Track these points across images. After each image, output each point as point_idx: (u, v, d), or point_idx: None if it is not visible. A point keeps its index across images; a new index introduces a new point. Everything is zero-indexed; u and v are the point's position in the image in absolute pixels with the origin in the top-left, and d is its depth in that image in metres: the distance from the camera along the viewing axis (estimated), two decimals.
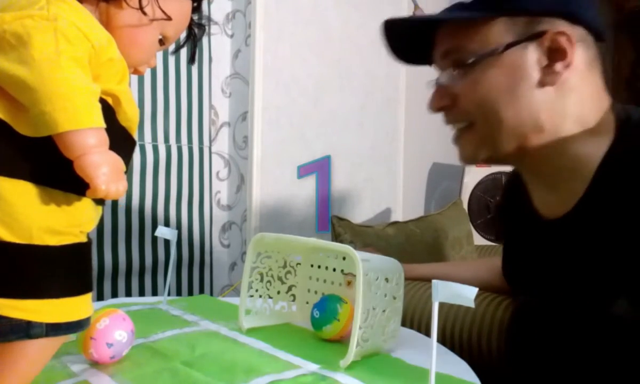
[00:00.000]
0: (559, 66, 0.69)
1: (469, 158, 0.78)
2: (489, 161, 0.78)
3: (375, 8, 2.04)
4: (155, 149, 1.49)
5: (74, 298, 0.52)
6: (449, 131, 0.80)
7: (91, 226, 0.56)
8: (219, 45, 1.68)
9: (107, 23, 0.57)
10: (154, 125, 1.49)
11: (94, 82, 0.51)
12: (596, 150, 0.70)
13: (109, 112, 0.54)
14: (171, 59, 1.51)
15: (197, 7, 0.67)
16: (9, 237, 0.48)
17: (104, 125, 0.50)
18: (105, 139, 0.51)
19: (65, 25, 0.49)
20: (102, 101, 0.52)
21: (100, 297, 1.40)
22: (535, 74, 0.70)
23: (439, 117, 0.81)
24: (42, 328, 0.50)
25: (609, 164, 0.69)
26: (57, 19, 0.48)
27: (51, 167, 0.50)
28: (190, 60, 0.76)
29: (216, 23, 1.66)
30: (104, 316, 0.67)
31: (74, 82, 0.48)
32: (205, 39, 1.58)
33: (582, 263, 0.73)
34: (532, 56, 0.70)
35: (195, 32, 0.70)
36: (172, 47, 0.70)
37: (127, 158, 0.57)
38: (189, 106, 1.56)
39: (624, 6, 3.28)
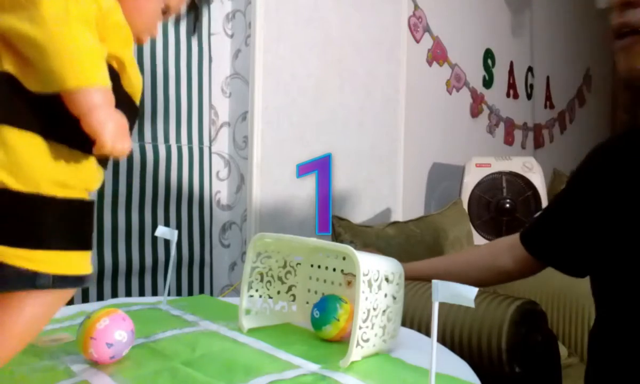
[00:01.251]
0: None
1: (630, 72, 0.71)
2: None
3: (375, 8, 2.04)
4: (155, 149, 1.49)
5: (78, 252, 0.53)
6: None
7: (95, 185, 0.57)
8: (219, 45, 1.68)
9: None
10: (154, 125, 1.49)
11: (102, 44, 0.53)
12: None
13: (113, 76, 0.55)
14: (171, 59, 1.51)
15: None
16: (17, 186, 0.49)
17: (109, 84, 0.52)
18: (111, 98, 0.52)
19: None
20: (107, 65, 0.53)
21: (100, 297, 1.40)
22: None
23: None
24: (49, 279, 0.51)
25: None
26: None
27: (59, 123, 0.51)
28: (192, 31, 0.77)
29: None
30: (104, 316, 0.67)
31: (81, 41, 0.49)
32: (205, 39, 1.58)
33: None
34: None
35: (198, 3, 0.71)
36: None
37: (130, 125, 0.58)
38: (189, 106, 1.56)
39: None
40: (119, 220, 1.43)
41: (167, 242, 1.51)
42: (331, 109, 1.92)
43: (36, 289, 0.50)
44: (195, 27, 0.75)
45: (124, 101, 0.57)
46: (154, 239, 1.49)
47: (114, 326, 0.67)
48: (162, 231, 0.95)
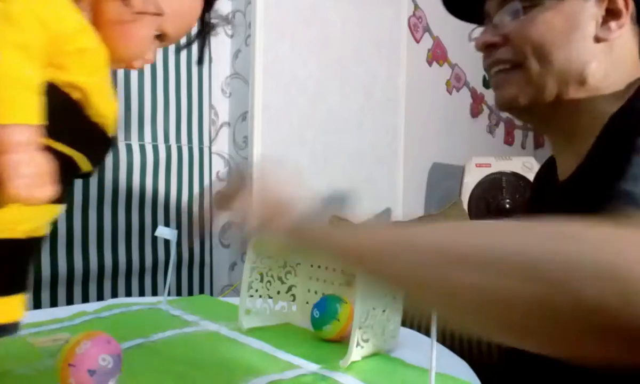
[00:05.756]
0: (613, 25, 0.72)
1: (509, 102, 0.78)
2: (524, 110, 0.78)
3: (375, 8, 2.04)
4: (155, 149, 1.49)
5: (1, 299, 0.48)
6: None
7: (29, 224, 0.51)
8: (219, 46, 1.68)
9: (94, 15, 0.54)
10: (154, 125, 1.49)
11: (58, 72, 0.47)
12: (611, 110, 0.72)
13: (72, 106, 0.50)
14: (171, 59, 1.51)
15: (208, 5, 0.64)
16: None
17: (36, 122, 0.45)
18: (36, 138, 0.45)
19: (18, 9, 0.45)
20: (64, 95, 0.49)
21: (100, 297, 1.40)
22: (590, 27, 0.73)
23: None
24: None
25: (613, 122, 0.71)
26: (12, 2, 0.44)
27: None
28: (198, 61, 0.72)
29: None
30: (85, 339, 0.56)
31: (10, 72, 0.43)
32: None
33: None
34: (590, 9, 0.73)
35: (205, 32, 0.67)
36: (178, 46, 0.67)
37: (99, 156, 0.54)
38: (189, 106, 1.56)
39: None
40: (119, 220, 1.43)
41: (167, 243, 1.51)
42: (331, 109, 1.92)
43: None
44: (202, 57, 0.71)
45: (90, 132, 0.52)
46: (154, 239, 1.49)
47: (97, 350, 0.56)
48: (162, 231, 0.95)
